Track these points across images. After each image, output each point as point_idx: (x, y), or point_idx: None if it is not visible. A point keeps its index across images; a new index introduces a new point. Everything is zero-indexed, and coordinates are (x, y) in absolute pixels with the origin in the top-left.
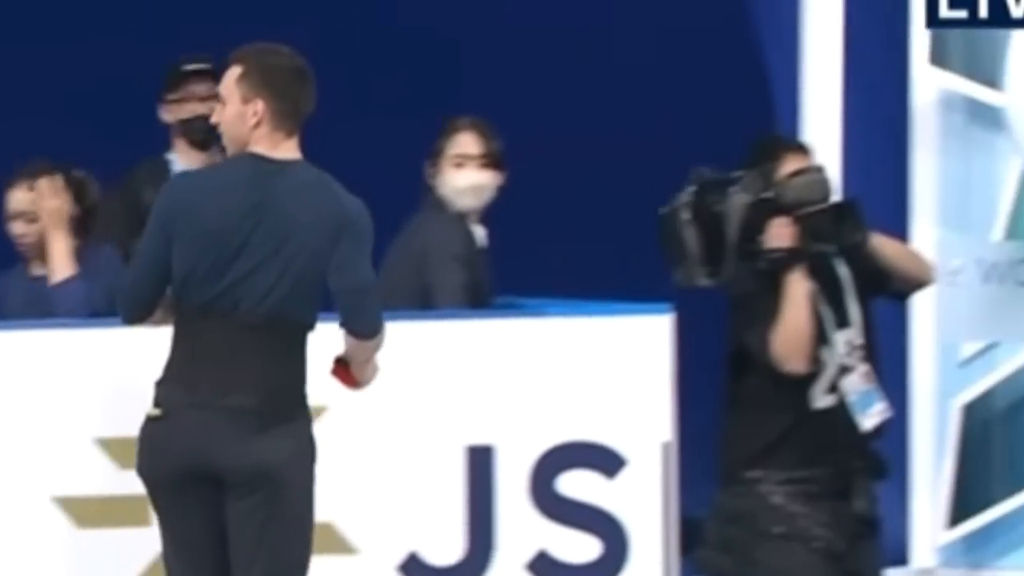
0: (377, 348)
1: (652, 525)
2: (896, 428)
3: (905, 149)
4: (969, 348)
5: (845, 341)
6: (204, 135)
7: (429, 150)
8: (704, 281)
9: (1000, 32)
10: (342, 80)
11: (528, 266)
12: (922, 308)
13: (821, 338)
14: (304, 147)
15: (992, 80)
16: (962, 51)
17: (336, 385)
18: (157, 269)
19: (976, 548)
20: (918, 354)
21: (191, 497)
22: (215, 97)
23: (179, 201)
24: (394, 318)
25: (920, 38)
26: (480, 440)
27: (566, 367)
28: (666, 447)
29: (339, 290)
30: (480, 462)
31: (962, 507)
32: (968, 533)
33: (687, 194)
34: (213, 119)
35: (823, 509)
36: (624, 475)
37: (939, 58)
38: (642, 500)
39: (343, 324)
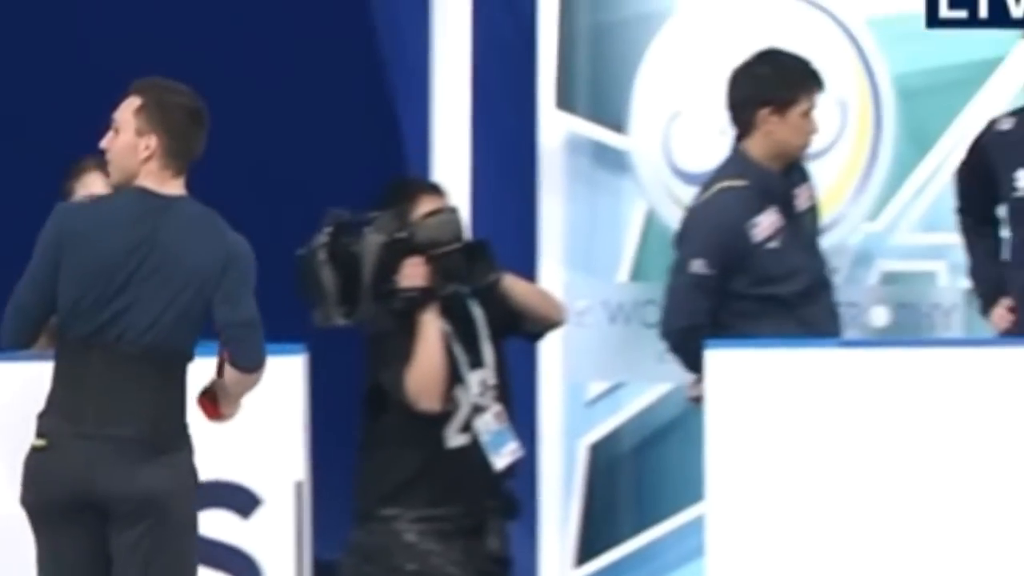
0: (256, 383)
1: (286, 564)
2: (525, 467)
3: (533, 191)
4: (595, 388)
5: (479, 381)
6: None
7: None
8: (341, 321)
9: (625, 76)
10: None
11: None
12: (549, 348)
13: (455, 378)
14: None
15: (617, 124)
16: (587, 95)
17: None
18: (43, 296)
19: None
20: (545, 394)
21: (75, 527)
22: None
23: (67, 231)
24: None
25: (546, 82)
26: None
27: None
28: (299, 486)
29: (226, 324)
30: None
31: (589, 546)
32: (595, 571)
33: (323, 235)
34: (103, 144)
35: (456, 547)
36: (259, 514)
37: (565, 102)
38: (276, 539)
39: (228, 357)
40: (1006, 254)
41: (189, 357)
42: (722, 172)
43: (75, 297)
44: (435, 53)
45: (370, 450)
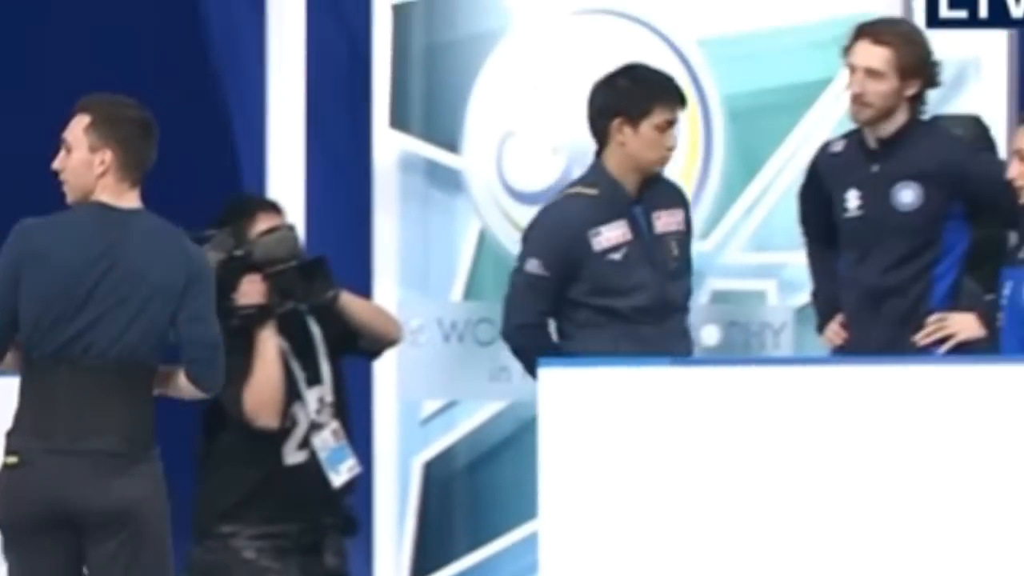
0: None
1: None
2: (362, 485)
3: (367, 210)
4: (430, 406)
5: (316, 398)
6: None
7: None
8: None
9: (458, 96)
10: None
11: None
12: (384, 366)
13: (293, 395)
14: None
15: (450, 143)
16: (421, 114)
17: None
18: (4, 316)
19: None
20: (380, 412)
21: (50, 543)
22: None
23: (26, 250)
24: None
25: (380, 101)
26: None
27: None
28: None
29: (193, 343)
30: None
31: (424, 563)
32: None
33: None
34: (56, 165)
35: (294, 564)
36: None
37: (399, 121)
38: None
39: (191, 375)
40: (840, 274)
41: (154, 369)
42: (578, 180)
43: (38, 315)
44: (270, 72)
45: (208, 467)
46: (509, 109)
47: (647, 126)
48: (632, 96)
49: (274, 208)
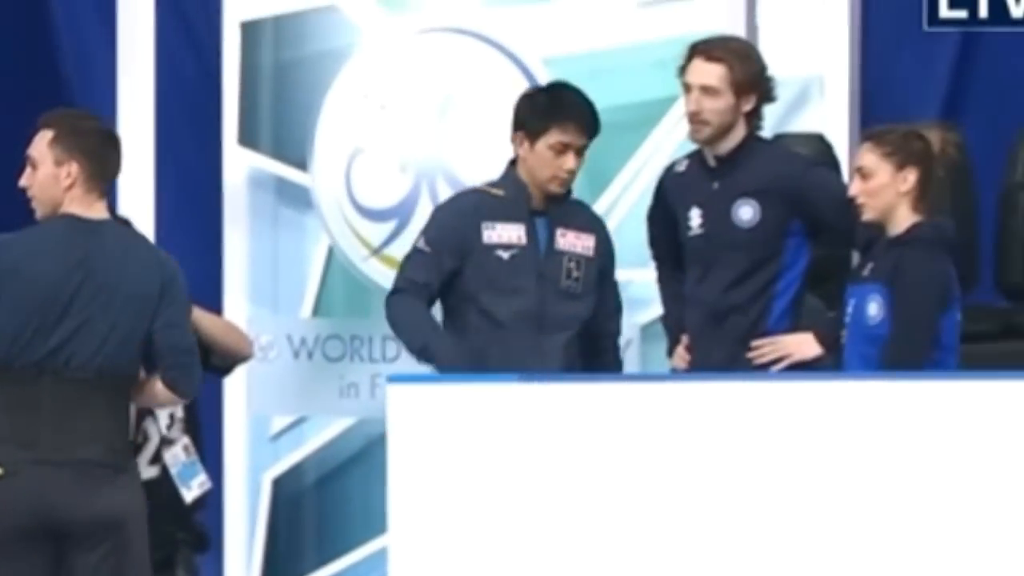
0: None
1: None
2: (213, 500)
3: (217, 226)
4: (279, 422)
5: (168, 414)
6: None
7: None
8: None
9: (307, 113)
10: None
11: None
12: (234, 382)
13: (145, 410)
14: None
15: (299, 160)
16: (270, 132)
17: None
18: None
19: None
20: (230, 428)
21: (34, 555)
22: None
23: (1, 264)
24: None
25: (230, 118)
26: None
27: None
28: None
29: (170, 351)
30: None
31: None
32: None
33: None
34: (23, 182)
35: None
36: None
37: (248, 138)
38: None
39: (168, 382)
40: (686, 293)
41: (134, 377)
42: (490, 181)
43: (16, 328)
44: (120, 90)
45: None
46: (357, 127)
47: (542, 144)
48: (535, 113)
49: (126, 224)
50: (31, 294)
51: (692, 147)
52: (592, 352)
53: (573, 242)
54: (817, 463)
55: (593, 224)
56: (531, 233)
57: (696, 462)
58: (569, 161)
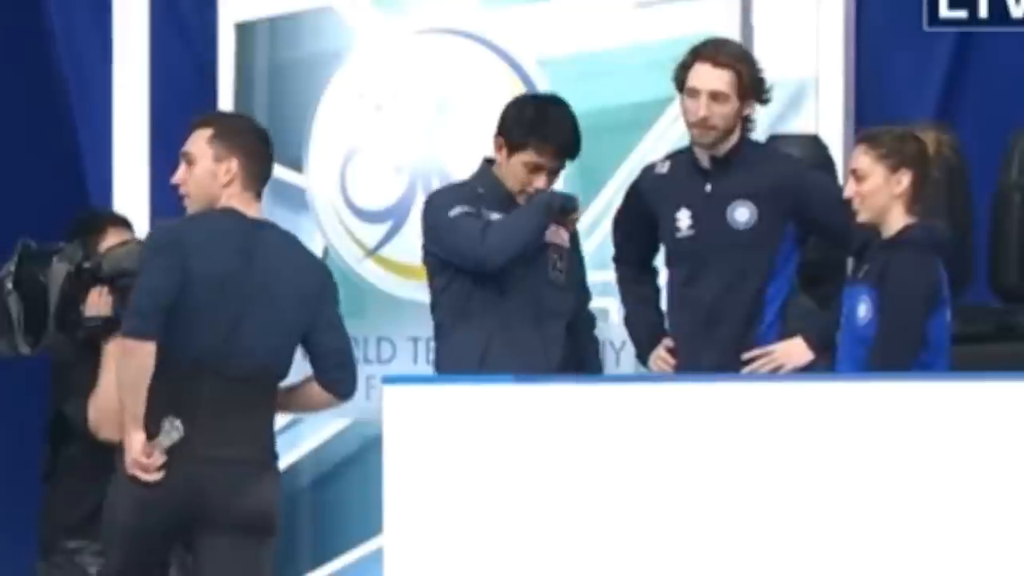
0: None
1: None
2: None
3: None
4: (275, 423)
5: None
6: None
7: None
8: (26, 350)
9: (302, 114)
10: None
11: None
12: None
13: None
14: None
15: (295, 161)
16: None
17: None
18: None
19: None
20: None
21: (166, 550)
22: None
23: (183, 251)
24: None
25: None
26: None
27: None
28: None
29: (332, 351)
30: None
31: None
32: None
33: (10, 264)
34: (177, 178)
35: None
36: None
37: None
38: None
39: (328, 383)
40: (667, 295)
41: (285, 376)
42: (470, 177)
43: (184, 321)
44: (116, 90)
45: (54, 481)
46: (352, 128)
47: (517, 159)
48: (519, 125)
49: (124, 223)
50: (202, 288)
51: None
52: (571, 336)
53: (554, 235)
54: (807, 464)
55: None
56: None
57: (691, 463)
58: (540, 181)
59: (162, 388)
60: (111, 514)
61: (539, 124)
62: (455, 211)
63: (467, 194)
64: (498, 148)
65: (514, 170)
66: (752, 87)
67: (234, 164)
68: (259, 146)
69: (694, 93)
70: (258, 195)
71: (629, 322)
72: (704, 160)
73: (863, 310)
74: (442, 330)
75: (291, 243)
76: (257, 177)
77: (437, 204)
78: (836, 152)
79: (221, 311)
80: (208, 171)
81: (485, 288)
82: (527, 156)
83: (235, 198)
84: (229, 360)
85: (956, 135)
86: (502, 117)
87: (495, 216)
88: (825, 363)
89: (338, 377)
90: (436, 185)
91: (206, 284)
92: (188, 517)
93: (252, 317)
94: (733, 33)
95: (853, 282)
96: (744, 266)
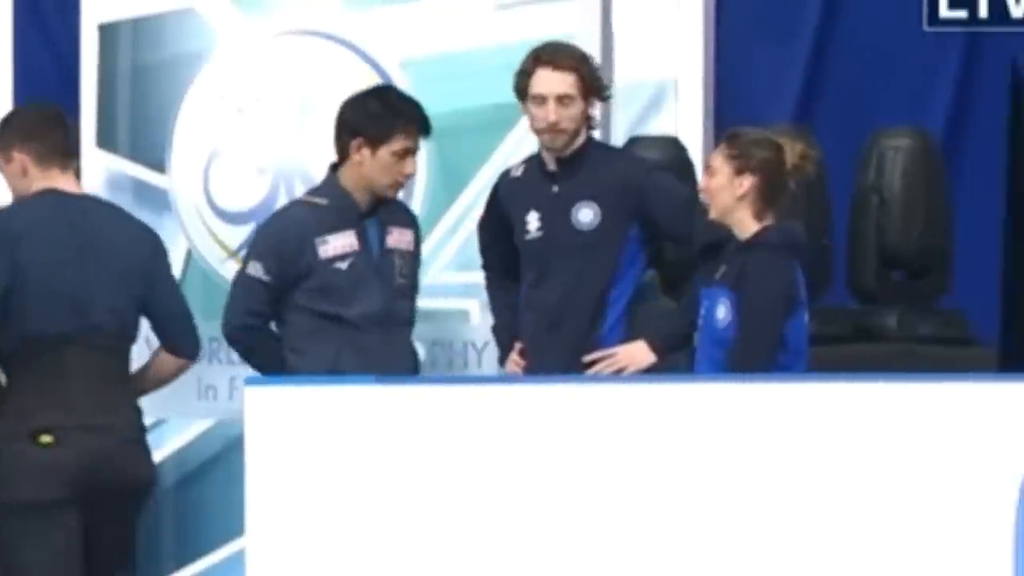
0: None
1: None
2: None
3: None
4: None
5: None
6: None
7: None
8: None
9: (165, 116)
10: None
11: None
12: None
13: None
14: None
15: (158, 163)
16: (128, 134)
17: None
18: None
19: None
20: None
21: (70, 519)
22: None
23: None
24: None
25: (88, 121)
26: None
27: None
28: None
29: (171, 314)
30: None
31: None
32: None
33: None
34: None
35: None
36: None
37: (106, 140)
38: None
39: (174, 345)
40: (521, 297)
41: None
42: (309, 190)
43: (37, 296)
44: None
45: None
46: (215, 129)
47: (385, 151)
48: (376, 119)
49: None
50: (34, 270)
51: None
52: None
53: (399, 239)
54: (661, 464)
55: (409, 217)
56: (362, 237)
57: (542, 463)
58: (409, 166)
59: (32, 365)
60: (6, 487)
61: (393, 110)
62: (253, 269)
63: (304, 217)
64: (357, 150)
65: (383, 164)
66: (593, 86)
67: (19, 155)
68: (39, 127)
69: (540, 99)
70: (66, 168)
71: (495, 329)
72: (551, 162)
73: (722, 312)
74: (293, 344)
75: (117, 213)
76: (54, 153)
77: (257, 239)
78: (696, 154)
79: (67, 287)
80: (7, 172)
81: (333, 300)
82: (396, 144)
83: (42, 181)
84: (89, 333)
85: (814, 137)
86: (347, 122)
87: (334, 240)
88: (686, 364)
89: (182, 339)
90: (298, 186)
91: (43, 267)
92: (86, 485)
93: (96, 288)
94: (593, 35)
95: (711, 284)
96: (587, 267)
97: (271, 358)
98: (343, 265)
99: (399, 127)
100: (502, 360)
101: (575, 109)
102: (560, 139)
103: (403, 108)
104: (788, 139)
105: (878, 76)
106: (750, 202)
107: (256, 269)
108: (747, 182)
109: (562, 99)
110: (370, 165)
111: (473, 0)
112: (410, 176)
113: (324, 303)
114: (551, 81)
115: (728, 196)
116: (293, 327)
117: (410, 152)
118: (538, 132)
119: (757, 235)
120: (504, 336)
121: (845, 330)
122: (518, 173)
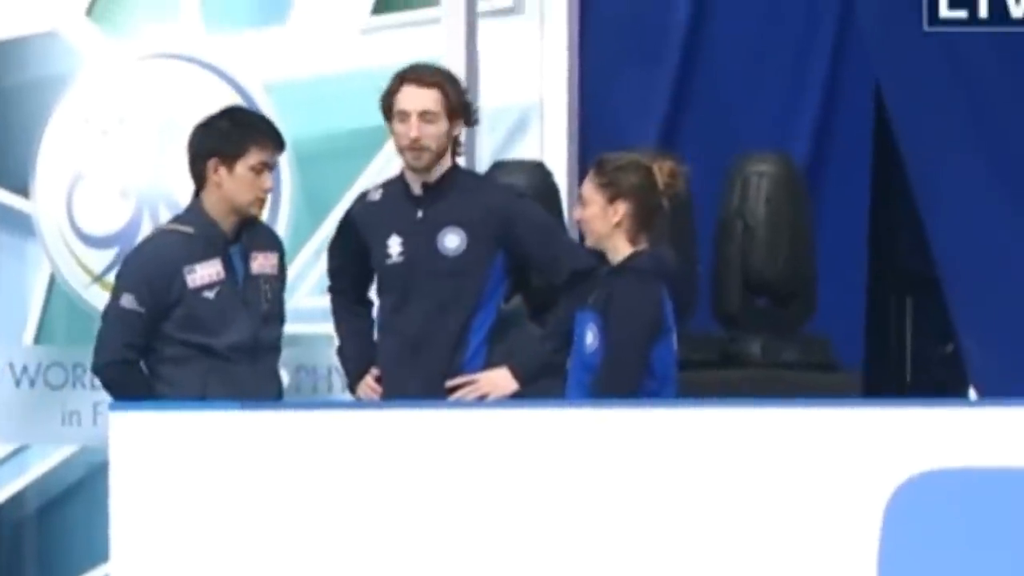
0: None
1: None
2: None
3: None
4: (0, 451)
5: None
6: None
7: None
8: None
9: (28, 139)
10: None
11: None
12: None
13: None
14: None
15: (20, 187)
16: None
17: None
18: None
19: None
20: None
21: None
22: None
23: None
24: None
25: None
26: None
27: None
28: None
29: None
30: None
31: None
32: None
33: None
34: None
35: None
36: None
37: None
38: None
39: None
40: (377, 322)
41: None
42: (174, 218)
43: None
44: None
45: None
46: (78, 153)
47: (242, 167)
48: (229, 137)
49: None
50: None
51: None
52: None
53: (264, 264)
54: (523, 490)
55: (274, 242)
56: (228, 265)
57: (402, 488)
58: (267, 180)
59: None
60: None
61: (244, 126)
62: (126, 301)
63: (172, 245)
64: (214, 170)
65: (241, 181)
66: (459, 107)
67: None
68: None
69: (404, 116)
70: None
71: (341, 354)
72: (416, 187)
73: (590, 337)
74: (160, 373)
75: None
76: None
77: (126, 270)
78: (561, 178)
79: None
80: None
81: (201, 331)
82: (252, 158)
83: None
84: None
85: (679, 162)
86: (200, 145)
87: (201, 269)
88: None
89: None
90: (163, 211)
91: None
92: None
93: None
94: (458, 59)
95: (583, 308)
96: (452, 293)
97: (142, 396)
98: (210, 295)
99: (253, 140)
100: (350, 387)
101: (439, 127)
102: (424, 157)
103: (254, 122)
104: (655, 159)
105: (743, 100)
106: (625, 228)
107: (129, 301)
108: (621, 208)
109: (424, 115)
110: (229, 184)
111: (338, 24)
112: (268, 191)
113: (192, 333)
114: (414, 97)
115: (603, 225)
116: (160, 356)
117: (267, 167)
118: (401, 150)
119: (626, 260)
120: (351, 363)
121: (711, 356)
122: (376, 197)
